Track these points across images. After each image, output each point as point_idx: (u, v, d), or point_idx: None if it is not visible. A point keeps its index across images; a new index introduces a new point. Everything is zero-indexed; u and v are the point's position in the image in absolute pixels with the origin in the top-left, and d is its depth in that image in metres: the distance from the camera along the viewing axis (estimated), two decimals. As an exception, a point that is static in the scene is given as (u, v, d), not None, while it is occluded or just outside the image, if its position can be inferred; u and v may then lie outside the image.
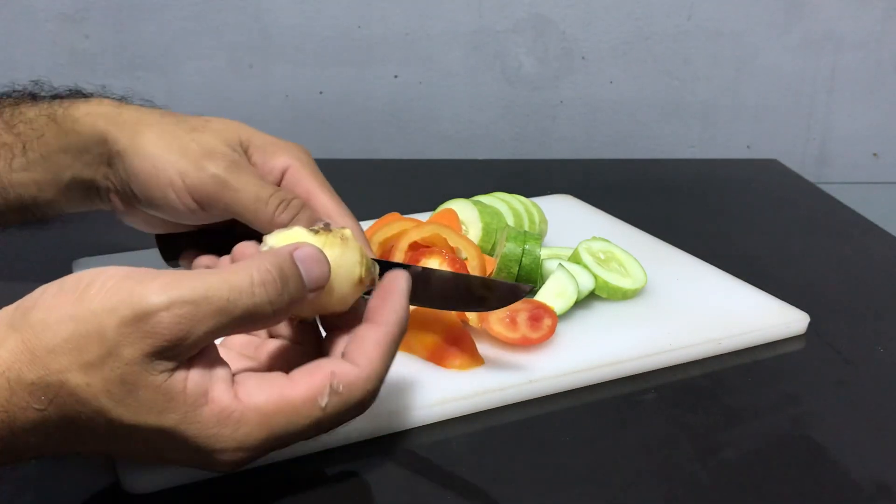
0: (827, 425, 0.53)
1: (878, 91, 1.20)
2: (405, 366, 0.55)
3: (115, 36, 1.06)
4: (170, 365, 0.36)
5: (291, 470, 0.46)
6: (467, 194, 0.74)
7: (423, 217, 0.73)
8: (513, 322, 0.57)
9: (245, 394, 0.38)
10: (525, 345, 0.56)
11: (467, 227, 0.69)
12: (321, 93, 1.13)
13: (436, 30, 1.11)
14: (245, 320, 0.38)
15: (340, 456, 0.48)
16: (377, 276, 0.45)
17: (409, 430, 0.50)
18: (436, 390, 0.52)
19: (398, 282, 0.43)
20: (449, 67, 1.13)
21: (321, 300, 0.42)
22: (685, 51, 1.15)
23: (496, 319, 0.57)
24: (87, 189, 0.56)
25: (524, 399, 0.54)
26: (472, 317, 0.57)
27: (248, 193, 0.52)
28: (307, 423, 0.40)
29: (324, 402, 0.39)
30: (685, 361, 0.59)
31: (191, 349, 0.37)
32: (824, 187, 1.03)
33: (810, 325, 0.63)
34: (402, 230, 0.63)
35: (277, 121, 1.13)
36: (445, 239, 0.62)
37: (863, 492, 0.47)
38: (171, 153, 0.52)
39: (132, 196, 0.54)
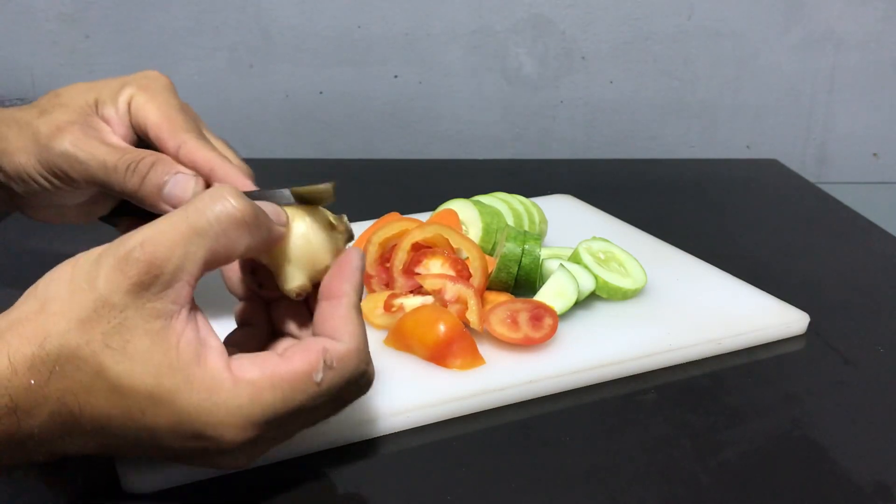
0: (827, 425, 0.53)
1: (878, 91, 1.20)
2: (405, 366, 0.55)
3: (115, 36, 1.06)
4: (161, 306, 0.37)
5: (292, 470, 0.46)
6: (467, 194, 0.74)
7: (423, 217, 0.73)
8: (514, 322, 0.57)
9: (238, 367, 0.39)
10: (527, 344, 0.57)
11: (467, 227, 0.69)
12: (321, 93, 1.13)
13: (436, 30, 1.11)
14: (220, 237, 0.39)
15: (340, 456, 0.48)
16: (348, 224, 0.46)
17: (410, 430, 0.50)
18: (436, 390, 0.52)
19: (350, 257, 0.44)
20: (449, 67, 1.13)
21: (308, 255, 0.43)
22: (685, 51, 1.15)
23: (497, 320, 0.57)
24: None
25: (524, 399, 0.54)
26: (473, 318, 0.57)
27: (95, 162, 0.52)
28: (304, 400, 0.39)
29: (318, 377, 0.39)
30: (685, 361, 0.59)
31: (175, 278, 0.37)
32: (824, 187, 1.03)
33: (810, 325, 0.63)
34: (404, 230, 0.63)
35: (277, 121, 1.13)
36: (447, 239, 0.62)
37: (863, 492, 0.47)
38: (26, 142, 0.53)
39: (18, 193, 0.56)
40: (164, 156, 0.53)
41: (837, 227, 0.89)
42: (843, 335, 0.64)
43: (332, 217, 0.45)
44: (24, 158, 0.53)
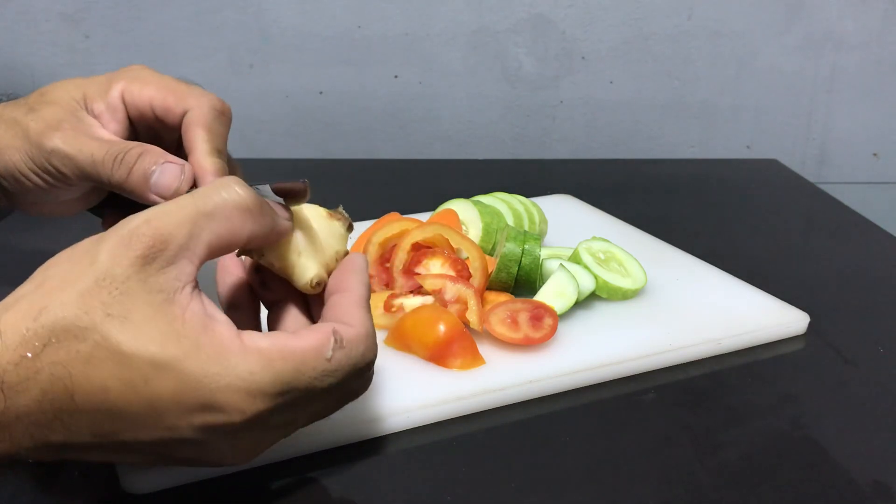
0: (827, 425, 0.53)
1: (878, 91, 1.20)
2: (405, 366, 0.55)
3: (115, 36, 1.06)
4: (163, 280, 0.37)
5: (292, 469, 0.46)
6: (467, 194, 0.74)
7: (423, 217, 0.73)
8: (514, 322, 0.57)
9: (248, 337, 0.38)
10: (527, 344, 0.57)
11: (467, 227, 0.69)
12: (321, 93, 1.13)
13: (436, 30, 1.11)
14: (224, 221, 0.39)
15: (340, 456, 0.48)
16: (345, 213, 0.46)
17: (410, 430, 0.50)
18: (436, 390, 0.52)
19: (356, 259, 0.45)
20: (449, 67, 1.13)
21: (317, 244, 0.44)
22: (685, 51, 1.15)
23: (497, 320, 0.57)
24: None
25: (524, 399, 0.54)
26: (473, 318, 0.57)
27: (84, 157, 0.52)
28: (314, 377, 0.39)
29: (329, 353, 0.39)
30: (685, 361, 0.59)
31: (179, 255, 0.38)
32: (824, 187, 1.03)
33: (810, 325, 0.63)
34: (404, 230, 0.63)
35: (277, 121, 1.13)
36: (447, 239, 0.62)
37: (863, 492, 0.47)
38: (16, 140, 0.54)
39: (11, 192, 0.56)
40: (151, 147, 0.53)
41: (837, 227, 0.89)
42: (843, 335, 0.64)
43: (326, 211, 0.46)
44: (15, 157, 0.54)
